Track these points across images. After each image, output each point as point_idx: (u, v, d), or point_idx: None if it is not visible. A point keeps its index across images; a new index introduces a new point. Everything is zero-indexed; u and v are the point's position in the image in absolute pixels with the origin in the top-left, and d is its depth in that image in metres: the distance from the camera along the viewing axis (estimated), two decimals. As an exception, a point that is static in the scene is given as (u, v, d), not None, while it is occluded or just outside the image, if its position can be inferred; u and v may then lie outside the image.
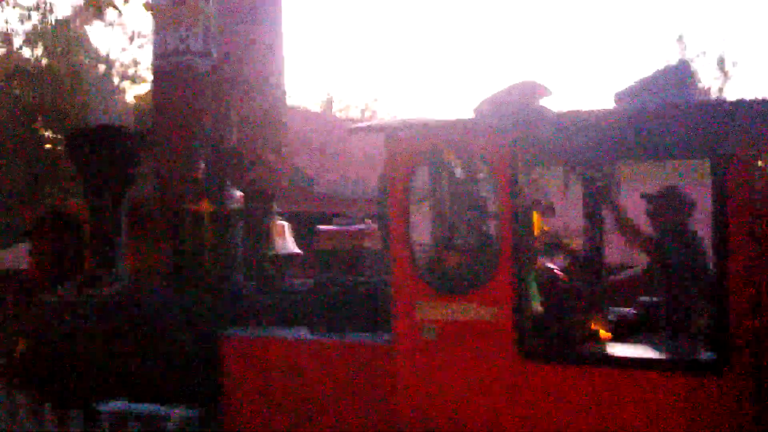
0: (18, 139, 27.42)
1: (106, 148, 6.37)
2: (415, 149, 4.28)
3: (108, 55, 31.76)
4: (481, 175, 4.54)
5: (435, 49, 55.46)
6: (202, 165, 6.10)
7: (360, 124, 4.36)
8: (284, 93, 9.17)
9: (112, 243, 6.39)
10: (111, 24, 32.85)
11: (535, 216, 4.48)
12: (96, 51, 31.26)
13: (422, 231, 4.46)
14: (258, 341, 4.86)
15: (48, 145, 29.79)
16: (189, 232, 5.94)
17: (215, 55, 7.41)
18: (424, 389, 4.22)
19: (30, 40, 29.56)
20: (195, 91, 7.42)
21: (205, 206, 6.00)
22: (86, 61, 30.55)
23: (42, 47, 29.32)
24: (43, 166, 27.18)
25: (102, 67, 31.75)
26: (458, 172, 4.25)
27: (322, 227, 5.51)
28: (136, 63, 32.56)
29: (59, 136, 28.34)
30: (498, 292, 4.05)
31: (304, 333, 4.85)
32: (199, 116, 6.77)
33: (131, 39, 31.79)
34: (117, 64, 32.00)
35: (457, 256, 4.28)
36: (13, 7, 29.22)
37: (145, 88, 32.12)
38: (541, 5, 54.58)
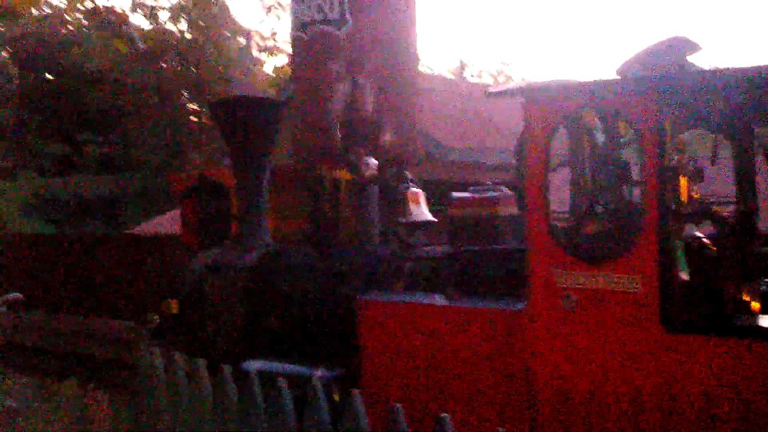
0: (164, 112, 28.96)
1: (249, 116, 6.61)
2: (555, 112, 4.17)
3: (248, 29, 32.87)
4: (624, 138, 4.38)
5: (569, 9, 53.73)
6: (339, 133, 6.21)
7: (497, 88, 4.29)
8: (417, 59, 9.13)
9: (257, 208, 6.64)
10: (250, -5, 33.82)
11: (683, 181, 4.28)
12: (236, 23, 32.40)
13: (561, 196, 4.36)
14: (394, 305, 4.93)
15: (193, 118, 31.28)
16: (327, 199, 6.09)
17: (351, 22, 7.48)
18: (562, 357, 4.16)
19: (174, 15, 31.02)
20: (332, 59, 7.53)
21: (342, 174, 6.13)
22: (227, 34, 31.72)
23: (185, 22, 30.70)
24: (188, 136, 28.61)
25: (242, 40, 32.88)
26: (600, 135, 4.11)
27: (456, 194, 5.50)
28: (274, 35, 33.55)
29: (203, 108, 29.73)
30: (642, 260, 3.91)
31: (439, 299, 4.88)
32: (336, 84, 6.88)
33: (268, 10, 32.76)
34: (256, 37, 33.07)
35: (599, 222, 4.17)
36: (160, -17, 30.73)
37: (283, 59, 33.14)
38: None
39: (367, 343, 4.96)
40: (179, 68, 29.53)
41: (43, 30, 29.38)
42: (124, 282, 11.92)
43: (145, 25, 30.61)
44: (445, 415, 2.35)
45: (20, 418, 5.21)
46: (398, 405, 2.74)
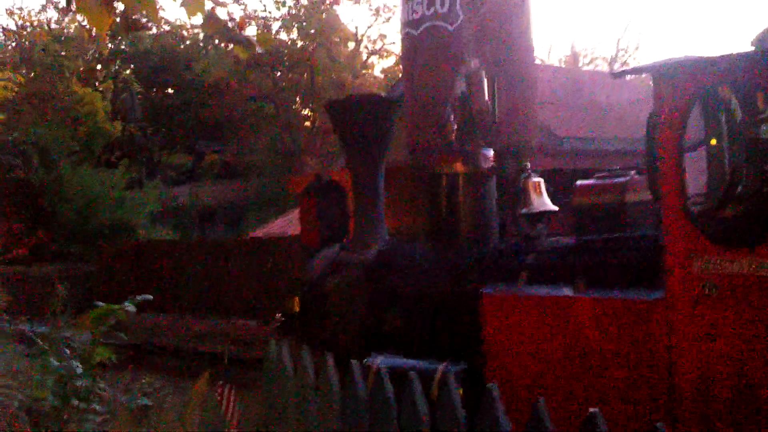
0: (280, 118, 29.68)
1: (363, 115, 6.60)
2: (688, 88, 3.92)
3: (356, 32, 33.27)
4: (765, 114, 4.08)
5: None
6: (455, 127, 6.10)
7: (624, 68, 4.08)
8: (532, 50, 8.93)
9: (374, 206, 6.63)
10: (358, 1, 34.30)
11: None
12: (345, 29, 32.85)
13: (697, 178, 4.10)
14: (519, 299, 4.78)
15: (307, 123, 31.93)
16: (444, 193, 6.00)
17: (462, 16, 7.38)
18: (704, 347, 3.91)
19: (285, 24, 31.73)
20: (444, 54, 7.45)
21: (459, 167, 6.02)
22: (337, 40, 32.21)
23: (297, 30, 31.35)
24: (304, 140, 29.20)
25: (351, 45, 33.31)
26: (738, 112, 3.83)
27: (580, 182, 5.29)
28: (382, 37, 33.81)
29: (316, 113, 30.31)
30: (789, 243, 3.62)
31: (566, 291, 4.70)
32: (449, 78, 6.79)
33: (377, 13, 33.01)
34: (365, 41, 33.43)
35: (739, 204, 3.88)
36: (270, -6, 31.46)
37: (391, 61, 33.33)
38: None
39: (491, 338, 4.83)
40: (292, 75, 30.19)
41: (163, 46, 30.73)
42: (249, 283, 12.25)
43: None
44: (596, 410, 2.20)
45: (153, 416, 5.39)
46: (542, 399, 2.60)
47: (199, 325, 10.31)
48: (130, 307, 4.28)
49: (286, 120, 29.83)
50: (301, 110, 32.34)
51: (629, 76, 7.98)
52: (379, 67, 34.35)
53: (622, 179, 5.06)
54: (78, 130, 23.48)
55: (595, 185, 5.15)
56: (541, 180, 5.72)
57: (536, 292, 4.77)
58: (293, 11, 30.92)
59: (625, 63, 33.18)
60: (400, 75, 19.54)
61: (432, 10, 7.77)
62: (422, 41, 7.74)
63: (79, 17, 29.00)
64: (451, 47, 7.15)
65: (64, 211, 19.86)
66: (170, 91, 30.99)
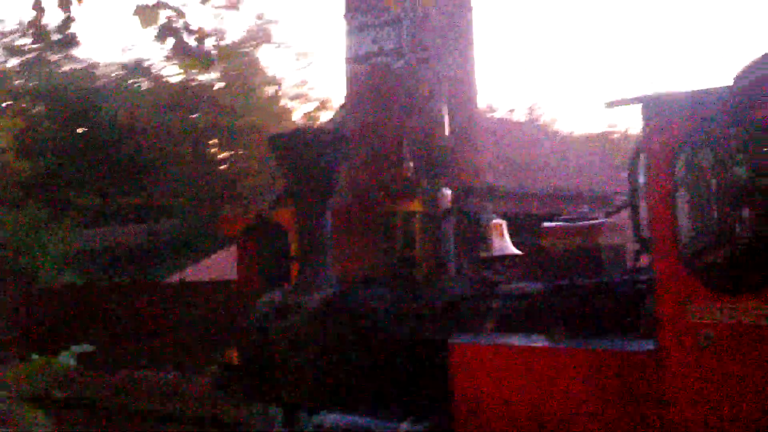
0: (196, 160, 28.87)
1: (311, 150, 6.21)
2: (683, 122, 3.70)
3: (275, 77, 32.95)
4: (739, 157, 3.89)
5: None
6: (411, 164, 5.79)
7: (615, 99, 3.84)
8: (476, 93, 8.83)
9: (321, 247, 6.20)
10: (279, 45, 34.10)
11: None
12: (265, 73, 32.47)
13: (688, 219, 3.86)
14: (492, 349, 4.43)
15: (222, 166, 31.19)
16: (401, 234, 5.65)
17: (408, 55, 7.16)
18: (701, 402, 3.63)
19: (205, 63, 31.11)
20: (391, 90, 7.20)
21: (416, 206, 5.70)
22: (257, 83, 31.77)
23: (217, 71, 30.74)
24: (221, 185, 28.44)
25: (271, 89, 32.91)
26: (738, 147, 3.62)
27: (547, 224, 5.03)
28: (303, 83, 33.59)
29: (235, 155, 29.64)
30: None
31: (541, 340, 4.37)
32: (402, 115, 6.51)
33: (298, 57, 32.80)
34: (284, 85, 33.13)
35: (741, 247, 3.66)
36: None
37: (312, 106, 33.09)
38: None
39: (462, 391, 4.44)
40: (211, 117, 29.51)
41: (76, 83, 29.61)
42: (174, 330, 11.43)
43: (176, 76, 30.78)
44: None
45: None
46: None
47: (126, 379, 9.52)
48: (70, 360, 3.70)
49: (203, 162, 29.06)
50: (219, 153, 31.63)
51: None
52: (299, 112, 34.04)
53: (594, 222, 4.83)
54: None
55: (566, 228, 4.89)
56: (504, 222, 5.45)
57: (510, 342, 4.43)
58: (214, 51, 30.39)
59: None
60: (334, 114, 19.31)
61: (377, 46, 7.55)
62: (369, 77, 7.48)
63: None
64: (400, 83, 6.91)
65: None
66: (81, 130, 29.83)
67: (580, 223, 4.83)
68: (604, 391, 3.90)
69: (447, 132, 5.55)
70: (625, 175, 4.44)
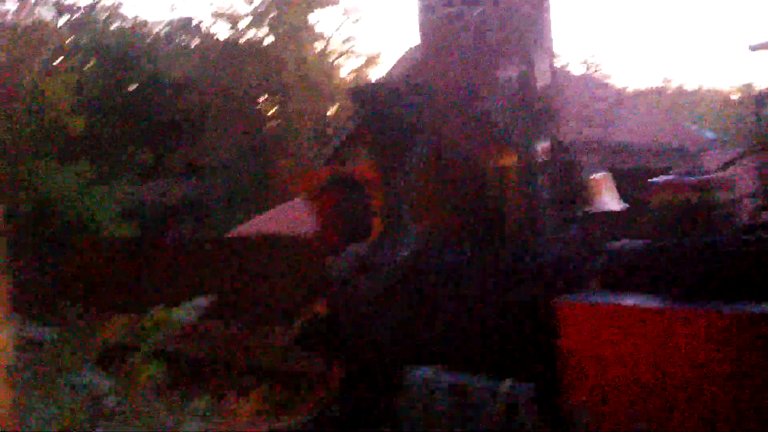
0: (245, 116, 28.82)
1: (396, 104, 6.00)
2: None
3: (323, 33, 32.60)
4: None
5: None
6: (505, 116, 5.55)
7: (761, 41, 3.57)
8: (552, 41, 8.47)
9: (404, 203, 6.03)
10: (326, 2, 33.67)
11: None
12: (313, 30, 32.11)
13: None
14: (603, 308, 4.22)
15: (272, 122, 31.11)
16: (492, 190, 5.45)
17: (483, 3, 6.86)
18: None
19: (255, 21, 30.86)
20: (470, 40, 6.92)
21: (508, 160, 5.47)
22: (306, 39, 31.44)
23: (267, 28, 30.50)
24: (272, 141, 28.43)
25: (320, 45, 32.58)
26: None
27: (655, 179, 4.78)
28: (349, 39, 33.16)
29: (285, 112, 29.53)
30: None
31: (653, 301, 4.16)
32: (485, 63, 6.24)
33: (347, 14, 32.37)
34: (333, 41, 32.78)
35: None
36: (239, -11, 30.71)
37: (361, 61, 32.71)
38: None
39: (571, 352, 4.26)
40: (260, 73, 29.37)
41: (127, 40, 29.66)
42: (264, 286, 11.17)
43: (226, 33, 30.67)
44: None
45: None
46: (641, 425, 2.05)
47: (227, 333, 9.53)
48: (191, 313, 3.60)
49: (253, 118, 29.04)
50: (269, 109, 31.53)
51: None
52: (347, 68, 33.67)
53: (706, 176, 4.57)
54: (39, 124, 22.35)
55: (674, 182, 4.64)
56: (608, 175, 5.20)
57: (623, 302, 4.22)
58: (261, 9, 30.12)
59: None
60: (394, 64, 18.93)
61: (451, -5, 7.23)
62: (442, 28, 7.19)
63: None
64: (481, 32, 6.63)
65: (22, 208, 18.79)
66: (132, 87, 29.94)
67: (687, 178, 4.58)
68: (737, 354, 3.68)
69: (549, 79, 5.28)
70: (691, 128, 4.20)
